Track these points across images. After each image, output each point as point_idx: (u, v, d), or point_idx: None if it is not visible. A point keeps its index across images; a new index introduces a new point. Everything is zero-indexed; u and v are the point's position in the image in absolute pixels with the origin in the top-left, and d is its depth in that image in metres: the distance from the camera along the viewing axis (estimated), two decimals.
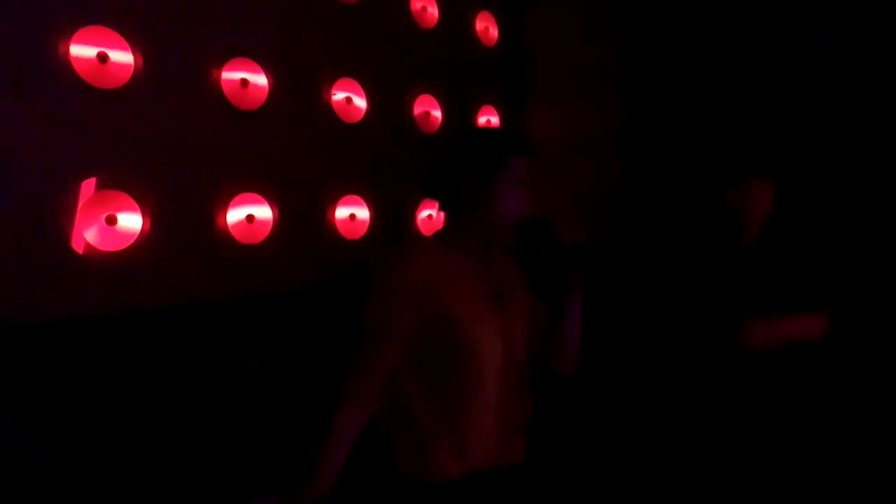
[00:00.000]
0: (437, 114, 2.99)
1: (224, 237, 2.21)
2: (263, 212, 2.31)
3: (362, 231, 2.64)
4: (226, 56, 2.21)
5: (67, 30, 1.86)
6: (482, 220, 1.47)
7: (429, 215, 2.93)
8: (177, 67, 2.09)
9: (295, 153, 2.42)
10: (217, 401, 2.06)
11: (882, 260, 2.47)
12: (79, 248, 1.88)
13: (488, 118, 3.28)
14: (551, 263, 1.52)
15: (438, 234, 1.55)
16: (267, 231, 2.32)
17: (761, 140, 2.69)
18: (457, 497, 1.44)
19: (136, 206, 1.99)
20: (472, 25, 3.24)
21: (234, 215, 2.24)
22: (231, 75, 2.22)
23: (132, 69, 1.98)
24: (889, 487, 2.14)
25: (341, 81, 2.58)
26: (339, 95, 2.57)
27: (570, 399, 1.99)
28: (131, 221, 1.98)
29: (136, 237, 1.99)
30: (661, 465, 2.09)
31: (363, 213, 2.65)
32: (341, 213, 2.57)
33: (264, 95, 2.31)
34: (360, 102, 2.64)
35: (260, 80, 2.30)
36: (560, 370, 1.63)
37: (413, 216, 2.88)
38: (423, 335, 1.42)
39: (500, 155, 1.46)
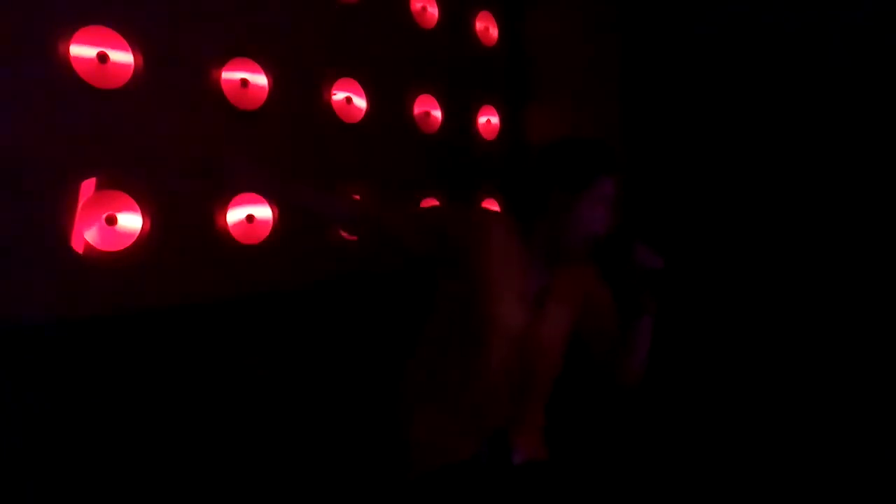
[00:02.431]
0: (437, 114, 2.99)
1: (224, 237, 2.21)
2: (263, 212, 2.31)
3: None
4: (226, 56, 2.21)
5: (67, 30, 1.86)
6: (558, 231, 1.51)
7: None
8: (177, 67, 2.09)
9: (295, 153, 2.42)
10: (216, 401, 2.06)
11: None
12: (79, 248, 1.88)
13: (488, 118, 3.28)
14: (625, 283, 1.55)
15: (516, 222, 1.57)
16: (267, 231, 2.32)
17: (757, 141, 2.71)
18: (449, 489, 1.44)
19: (136, 206, 1.99)
20: (472, 25, 3.24)
21: (234, 215, 2.24)
22: (231, 75, 2.22)
23: (132, 69, 1.98)
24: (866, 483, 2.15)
25: (341, 81, 2.58)
26: (339, 95, 2.57)
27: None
28: (131, 221, 1.98)
29: (136, 237, 1.99)
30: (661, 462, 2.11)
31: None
32: None
33: (264, 95, 2.31)
34: (360, 102, 2.64)
35: (260, 80, 2.30)
36: (623, 378, 1.66)
37: None
38: (452, 297, 1.50)
39: (592, 172, 1.50)
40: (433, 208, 1.53)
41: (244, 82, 2.25)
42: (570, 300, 1.63)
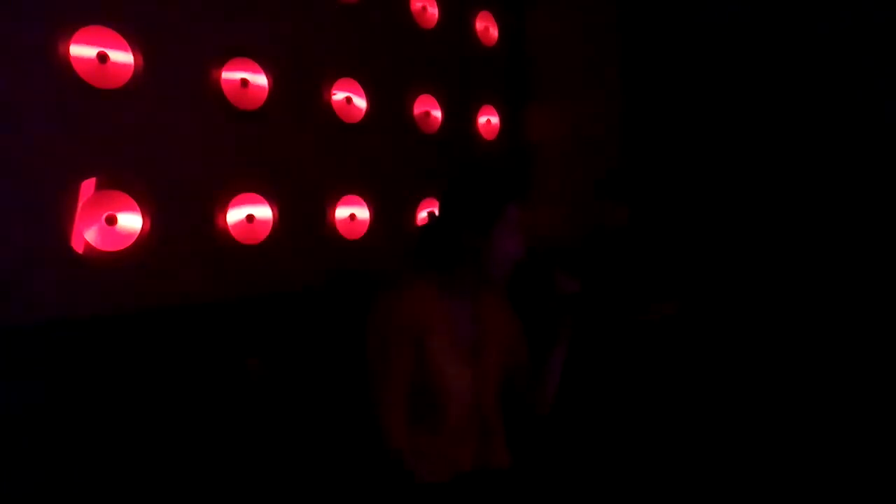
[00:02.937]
0: (437, 114, 2.99)
1: (224, 237, 2.22)
2: (263, 212, 2.31)
3: (362, 231, 2.64)
4: (226, 56, 2.21)
5: (67, 30, 1.86)
6: (480, 269, 1.50)
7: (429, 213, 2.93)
8: (177, 67, 2.09)
9: (295, 153, 2.42)
10: (217, 401, 2.06)
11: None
12: (79, 248, 1.88)
13: (488, 118, 3.28)
14: (544, 307, 1.57)
15: (433, 274, 1.54)
16: (267, 231, 2.32)
17: (754, 142, 2.72)
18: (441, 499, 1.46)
19: (136, 206, 1.99)
20: (472, 25, 3.24)
21: (234, 215, 2.24)
22: (231, 75, 2.22)
23: (132, 69, 1.99)
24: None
25: (341, 81, 2.58)
26: (339, 95, 2.57)
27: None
28: (131, 221, 1.98)
29: (136, 237, 1.99)
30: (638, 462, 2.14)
31: (363, 213, 2.65)
32: (341, 213, 2.57)
33: (264, 95, 2.31)
34: (360, 102, 2.64)
35: (260, 80, 2.30)
36: (537, 410, 1.66)
37: (413, 216, 2.88)
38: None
39: (496, 204, 1.50)
40: (373, 353, 1.48)
41: (244, 82, 2.25)
42: (504, 324, 1.65)
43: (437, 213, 1.60)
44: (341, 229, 2.57)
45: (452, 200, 1.55)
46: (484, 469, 1.54)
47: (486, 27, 3.30)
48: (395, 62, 2.81)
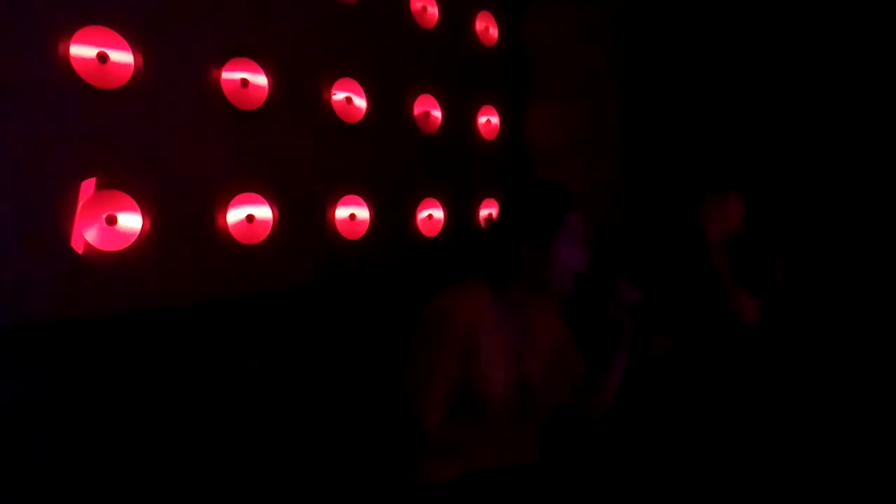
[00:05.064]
0: (437, 114, 2.99)
1: (224, 237, 2.21)
2: (263, 212, 2.31)
3: (362, 231, 2.64)
4: (226, 56, 2.21)
5: (67, 30, 1.86)
6: (540, 280, 1.48)
7: (428, 215, 2.93)
8: (177, 67, 2.09)
9: (295, 153, 2.42)
10: (218, 401, 2.06)
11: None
12: (79, 248, 1.88)
13: (488, 118, 3.28)
14: (608, 317, 1.53)
15: (487, 281, 1.52)
16: (267, 231, 2.32)
17: (749, 147, 2.71)
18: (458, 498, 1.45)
19: (136, 206, 1.99)
20: (472, 25, 3.24)
21: (234, 215, 2.24)
22: (231, 75, 2.22)
23: (132, 69, 1.98)
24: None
25: (341, 81, 2.58)
26: (339, 95, 2.57)
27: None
28: (131, 221, 1.98)
29: (136, 237, 1.99)
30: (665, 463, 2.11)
31: (363, 213, 2.65)
32: (341, 213, 2.57)
33: (264, 95, 2.31)
34: (360, 102, 2.64)
35: (260, 80, 2.30)
36: (592, 416, 1.65)
37: (413, 216, 2.88)
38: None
39: (556, 214, 1.47)
40: (420, 339, 1.46)
41: (244, 82, 2.25)
42: (555, 335, 1.63)
43: (494, 217, 1.57)
44: (341, 229, 2.57)
45: (510, 211, 1.52)
46: (502, 468, 1.53)
47: (486, 27, 3.30)
48: (395, 62, 2.81)
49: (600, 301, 1.52)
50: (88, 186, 1.90)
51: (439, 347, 1.43)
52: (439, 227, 2.98)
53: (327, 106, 2.54)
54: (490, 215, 1.57)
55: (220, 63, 2.20)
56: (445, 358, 1.43)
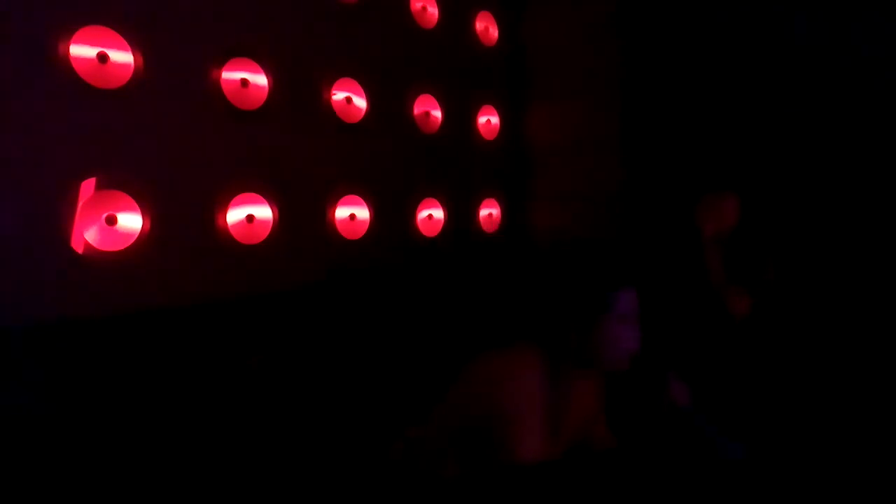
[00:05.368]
0: (437, 114, 2.99)
1: (224, 237, 2.22)
2: (263, 212, 2.31)
3: (362, 231, 2.64)
4: (226, 56, 2.21)
5: (67, 30, 1.86)
6: (592, 359, 1.37)
7: (428, 215, 2.93)
8: (177, 67, 2.09)
9: (295, 153, 2.42)
10: (218, 401, 2.06)
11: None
12: (79, 248, 1.88)
13: (488, 118, 3.28)
14: (643, 414, 1.44)
15: (539, 349, 1.40)
16: (267, 231, 2.32)
17: (746, 147, 2.72)
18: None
19: (136, 206, 1.99)
20: (472, 25, 3.24)
21: (234, 215, 2.24)
22: (231, 75, 2.22)
23: (132, 69, 1.99)
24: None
25: (341, 81, 2.58)
26: (339, 95, 2.57)
27: None
28: (131, 221, 1.99)
29: (136, 237, 1.99)
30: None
31: (363, 213, 2.65)
32: (341, 213, 2.57)
33: (264, 95, 2.31)
34: (360, 102, 2.64)
35: (260, 80, 2.30)
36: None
37: (413, 216, 2.88)
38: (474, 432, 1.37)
39: (604, 295, 1.32)
40: (459, 406, 1.36)
41: (244, 82, 2.25)
42: (590, 410, 1.53)
43: (538, 286, 1.41)
44: (341, 229, 2.57)
45: (553, 294, 1.37)
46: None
47: (486, 27, 3.30)
48: (395, 62, 2.81)
49: (651, 395, 1.42)
50: (88, 186, 1.90)
51: (475, 423, 1.35)
52: (439, 227, 2.98)
53: (327, 106, 2.54)
54: (536, 284, 1.41)
55: (220, 63, 2.20)
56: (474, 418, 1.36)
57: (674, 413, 1.41)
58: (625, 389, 1.44)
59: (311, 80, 2.49)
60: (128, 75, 1.98)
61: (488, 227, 3.29)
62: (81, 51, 1.88)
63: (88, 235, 1.90)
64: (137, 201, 1.99)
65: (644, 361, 1.37)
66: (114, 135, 1.96)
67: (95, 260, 1.91)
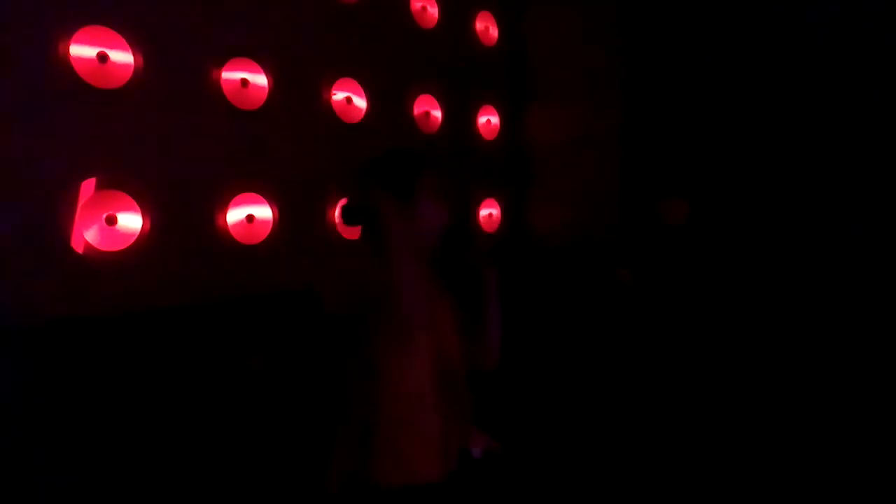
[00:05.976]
0: (437, 114, 2.99)
1: (224, 237, 2.22)
2: (263, 212, 2.31)
3: None
4: (226, 56, 2.21)
5: (67, 30, 1.86)
6: (411, 236, 1.55)
7: None
8: (177, 67, 2.09)
9: (295, 153, 2.42)
10: (218, 400, 2.06)
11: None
12: (79, 248, 1.88)
13: (488, 118, 3.28)
14: (469, 266, 1.60)
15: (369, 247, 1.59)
16: (267, 231, 2.32)
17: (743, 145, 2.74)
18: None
19: (136, 206, 1.99)
20: (472, 25, 3.24)
21: (234, 215, 2.24)
22: (231, 75, 2.22)
23: (132, 69, 1.98)
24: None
25: (341, 81, 2.58)
26: (339, 95, 2.57)
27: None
28: (131, 221, 1.98)
29: (136, 237, 1.99)
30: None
31: None
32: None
33: (264, 95, 2.31)
34: (360, 102, 2.64)
35: (260, 80, 2.30)
36: (483, 367, 1.64)
37: None
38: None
39: (416, 171, 1.59)
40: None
41: (244, 82, 2.25)
42: (443, 292, 1.65)
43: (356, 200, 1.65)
44: (341, 229, 2.57)
45: (371, 179, 1.62)
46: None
47: (486, 27, 3.30)
48: (395, 62, 2.81)
49: (458, 252, 1.59)
50: (88, 186, 1.90)
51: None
52: None
53: (327, 106, 2.54)
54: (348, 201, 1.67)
55: (220, 63, 2.20)
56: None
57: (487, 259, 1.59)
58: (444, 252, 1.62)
59: (311, 80, 2.49)
60: (128, 75, 1.98)
61: (488, 227, 3.29)
62: (81, 51, 1.88)
63: (88, 235, 1.90)
64: (137, 201, 1.99)
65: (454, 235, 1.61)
66: (114, 135, 1.96)
67: (95, 260, 1.91)
